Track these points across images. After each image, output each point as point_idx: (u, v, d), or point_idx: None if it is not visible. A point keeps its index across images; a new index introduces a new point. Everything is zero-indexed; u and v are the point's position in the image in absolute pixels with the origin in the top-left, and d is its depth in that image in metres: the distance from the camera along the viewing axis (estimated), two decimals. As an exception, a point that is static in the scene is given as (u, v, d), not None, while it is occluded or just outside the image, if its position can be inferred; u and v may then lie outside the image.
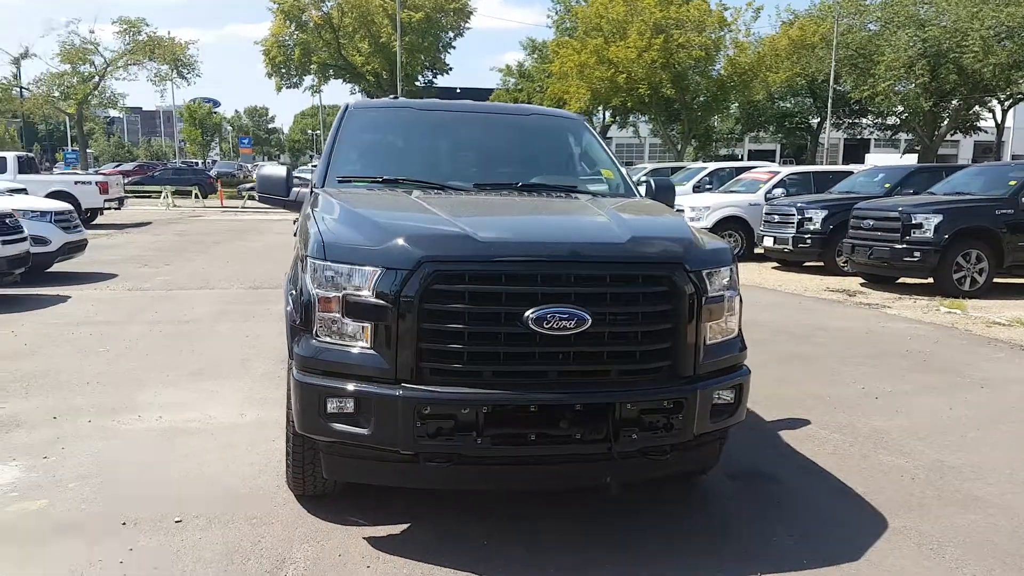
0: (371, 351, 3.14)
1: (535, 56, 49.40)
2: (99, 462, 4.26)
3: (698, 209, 16.92)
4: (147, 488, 3.95)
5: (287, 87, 37.91)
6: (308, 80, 38.82)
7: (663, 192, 4.98)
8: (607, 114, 45.85)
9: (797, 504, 4.02)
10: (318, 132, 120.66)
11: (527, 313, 3.06)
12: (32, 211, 11.01)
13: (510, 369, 3.17)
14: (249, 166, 54.11)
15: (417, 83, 43.03)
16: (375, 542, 3.44)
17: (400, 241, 3.18)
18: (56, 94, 39.47)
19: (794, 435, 5.05)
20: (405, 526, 3.62)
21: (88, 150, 47.49)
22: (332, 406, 3.17)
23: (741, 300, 3.70)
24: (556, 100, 43.42)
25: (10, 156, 20.53)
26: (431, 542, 3.46)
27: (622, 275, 3.26)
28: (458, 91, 64.35)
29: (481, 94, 55.27)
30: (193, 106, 64.63)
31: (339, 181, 4.39)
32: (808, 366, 6.93)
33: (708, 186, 20.09)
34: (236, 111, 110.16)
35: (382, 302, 3.10)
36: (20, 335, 7.37)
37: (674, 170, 23.53)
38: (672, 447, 3.38)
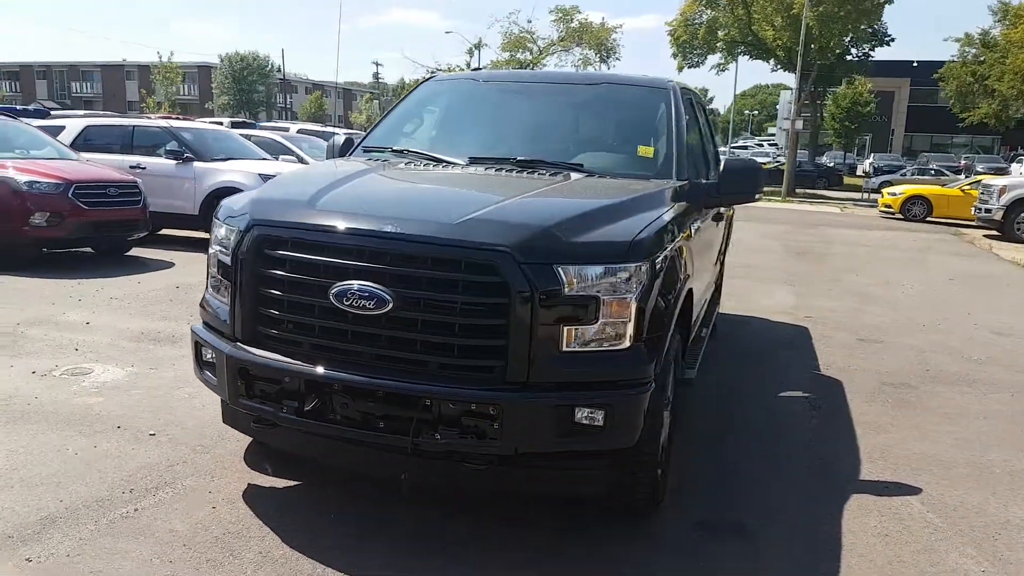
0: (224, 307, 3.33)
1: (1006, 23, 41.56)
2: (176, 379, 5.12)
3: (990, 190, 15.67)
4: (173, 406, 4.65)
5: (688, 67, 37.87)
6: (712, 59, 38.27)
7: (733, 176, 4.17)
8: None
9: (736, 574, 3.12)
10: (755, 112, 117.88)
11: (331, 288, 2.96)
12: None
13: (325, 344, 3.09)
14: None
15: (849, 56, 38.99)
16: (249, 491, 3.63)
17: (248, 204, 3.30)
18: (496, 79, 44.94)
19: (869, 503, 3.84)
20: (295, 484, 3.73)
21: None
22: (205, 355, 3.45)
23: (651, 305, 3.00)
24: (1019, 74, 36.33)
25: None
26: (292, 506, 3.52)
27: (442, 259, 2.92)
28: (914, 64, 57.28)
29: (935, 68, 48.52)
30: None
31: (364, 151, 4.55)
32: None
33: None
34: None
35: (227, 261, 3.28)
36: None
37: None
38: (500, 459, 2.97)
